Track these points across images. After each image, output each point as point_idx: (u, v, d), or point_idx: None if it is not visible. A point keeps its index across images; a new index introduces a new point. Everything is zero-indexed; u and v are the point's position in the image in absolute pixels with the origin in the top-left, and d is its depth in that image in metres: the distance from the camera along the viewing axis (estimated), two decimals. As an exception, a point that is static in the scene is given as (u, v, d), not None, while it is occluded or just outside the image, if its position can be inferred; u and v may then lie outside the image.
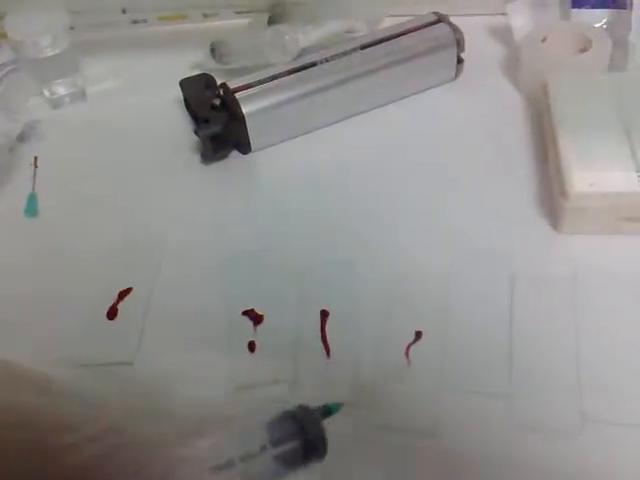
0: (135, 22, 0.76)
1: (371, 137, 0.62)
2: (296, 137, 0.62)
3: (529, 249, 0.51)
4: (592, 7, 0.65)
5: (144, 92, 0.69)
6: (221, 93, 0.60)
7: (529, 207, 0.53)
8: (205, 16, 0.76)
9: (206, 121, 0.59)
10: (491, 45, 0.69)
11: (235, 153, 0.62)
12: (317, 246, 0.53)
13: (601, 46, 0.60)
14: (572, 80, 0.58)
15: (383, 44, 0.62)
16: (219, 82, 0.62)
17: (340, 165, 0.60)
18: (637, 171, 0.51)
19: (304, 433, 0.35)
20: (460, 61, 0.64)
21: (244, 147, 0.61)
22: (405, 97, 0.65)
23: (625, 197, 0.49)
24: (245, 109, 0.58)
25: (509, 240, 0.51)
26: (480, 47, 0.67)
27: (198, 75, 0.65)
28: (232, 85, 0.60)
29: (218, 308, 0.49)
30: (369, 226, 0.54)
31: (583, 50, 0.61)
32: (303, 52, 0.65)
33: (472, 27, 0.66)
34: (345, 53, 0.62)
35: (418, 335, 0.46)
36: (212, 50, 0.69)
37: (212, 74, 0.65)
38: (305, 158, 0.61)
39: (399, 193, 0.57)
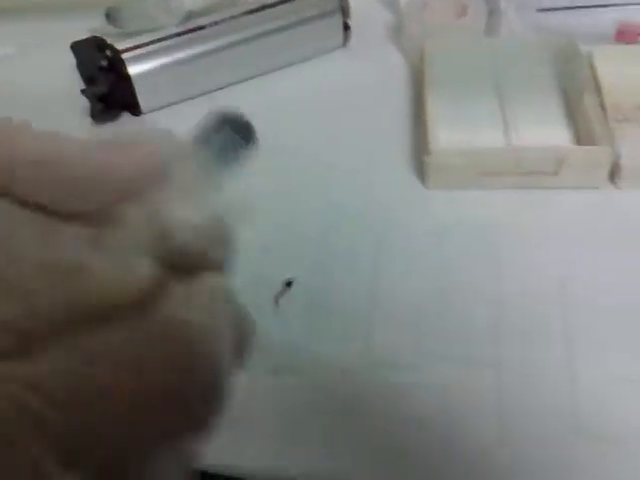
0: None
1: (258, 103, 0.64)
2: (185, 100, 0.64)
3: (400, 205, 0.53)
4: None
5: (39, 57, 0.70)
6: (108, 54, 0.61)
7: (403, 166, 0.56)
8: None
9: (93, 81, 0.60)
10: (380, 11, 0.72)
11: (127, 115, 0.63)
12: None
13: (476, 13, 0.63)
14: (446, 46, 0.61)
15: (269, 10, 0.64)
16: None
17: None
18: (504, 130, 0.55)
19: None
20: (347, 27, 0.67)
21: (134, 108, 0.62)
22: (294, 64, 0.66)
23: (484, 152, 0.52)
24: (131, 69, 0.60)
25: (383, 197, 0.54)
26: (370, 13, 0.70)
27: (89, 38, 0.66)
28: (120, 46, 0.61)
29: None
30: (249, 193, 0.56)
31: (461, 17, 0.64)
32: (192, 16, 0.66)
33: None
34: (232, 17, 0.63)
35: (289, 284, 0.48)
36: (107, 15, 0.70)
37: (107, 38, 0.66)
38: (191, 122, 0.62)
39: (282, 158, 0.58)
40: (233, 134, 0.32)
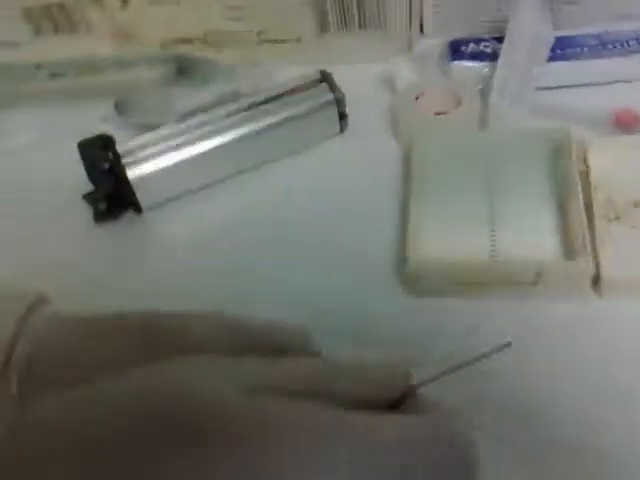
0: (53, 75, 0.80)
1: (257, 194, 0.66)
2: (187, 195, 0.66)
3: (380, 311, 0.54)
4: (470, 59, 0.68)
5: (51, 148, 0.73)
6: (110, 157, 0.64)
7: (386, 268, 0.57)
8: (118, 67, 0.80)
9: (96, 184, 0.63)
10: (381, 97, 0.72)
11: (131, 212, 0.66)
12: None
13: (470, 105, 0.63)
14: (436, 140, 0.61)
15: (265, 106, 0.65)
16: (120, 139, 0.65)
17: (228, 222, 0.64)
18: (491, 236, 0.55)
19: None
20: (343, 117, 0.67)
21: (135, 207, 0.65)
22: (294, 153, 0.68)
23: (461, 263, 0.52)
24: (131, 173, 0.62)
25: (363, 301, 0.55)
26: (370, 99, 0.71)
27: (96, 137, 0.68)
28: (121, 148, 0.63)
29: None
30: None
31: (455, 108, 0.64)
32: (193, 112, 0.68)
33: (362, 77, 0.70)
34: (228, 114, 0.65)
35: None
36: (115, 106, 0.73)
37: (115, 131, 0.69)
38: (194, 215, 0.65)
39: (281, 247, 0.60)
40: None
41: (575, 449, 0.44)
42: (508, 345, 0.32)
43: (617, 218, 0.55)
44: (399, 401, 0.27)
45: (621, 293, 0.51)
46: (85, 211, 0.65)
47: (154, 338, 0.30)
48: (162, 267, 0.61)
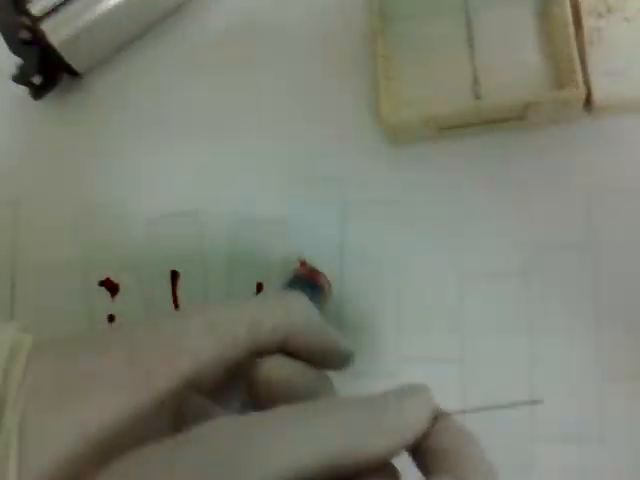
0: None
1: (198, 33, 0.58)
2: (120, 51, 0.58)
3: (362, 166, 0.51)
4: None
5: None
6: (27, 23, 0.55)
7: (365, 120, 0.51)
8: None
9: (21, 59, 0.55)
10: None
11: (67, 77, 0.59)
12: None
13: None
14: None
15: None
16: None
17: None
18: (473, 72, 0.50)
19: None
20: None
21: (70, 72, 0.58)
22: None
23: (441, 110, 0.48)
24: (54, 39, 0.54)
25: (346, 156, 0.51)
26: None
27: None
28: (36, 11, 0.54)
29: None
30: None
31: None
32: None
33: None
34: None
35: (259, 287, 0.49)
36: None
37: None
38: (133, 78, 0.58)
39: (245, 131, 0.54)
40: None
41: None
42: (540, 402, 0.31)
43: (608, 11, 0.50)
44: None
45: (615, 110, 0.47)
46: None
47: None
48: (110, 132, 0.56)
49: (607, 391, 0.43)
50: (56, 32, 0.54)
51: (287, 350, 0.30)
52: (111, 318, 0.50)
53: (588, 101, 0.47)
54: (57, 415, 0.26)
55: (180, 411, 0.27)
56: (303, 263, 0.46)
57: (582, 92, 0.45)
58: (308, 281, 0.41)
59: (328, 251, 0.49)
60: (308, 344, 0.30)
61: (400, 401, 0.25)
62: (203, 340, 0.28)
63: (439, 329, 0.46)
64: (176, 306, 0.49)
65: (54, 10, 0.54)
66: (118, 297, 0.51)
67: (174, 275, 0.50)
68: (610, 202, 0.46)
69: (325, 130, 0.51)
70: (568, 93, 0.46)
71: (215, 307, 0.30)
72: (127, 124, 0.56)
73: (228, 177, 0.52)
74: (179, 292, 0.50)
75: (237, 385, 0.29)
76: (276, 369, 0.28)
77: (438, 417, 0.26)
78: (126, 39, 0.58)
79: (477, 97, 0.49)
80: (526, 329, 0.45)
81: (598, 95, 0.46)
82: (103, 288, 0.51)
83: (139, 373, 0.27)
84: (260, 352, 0.29)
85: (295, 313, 0.30)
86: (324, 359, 0.31)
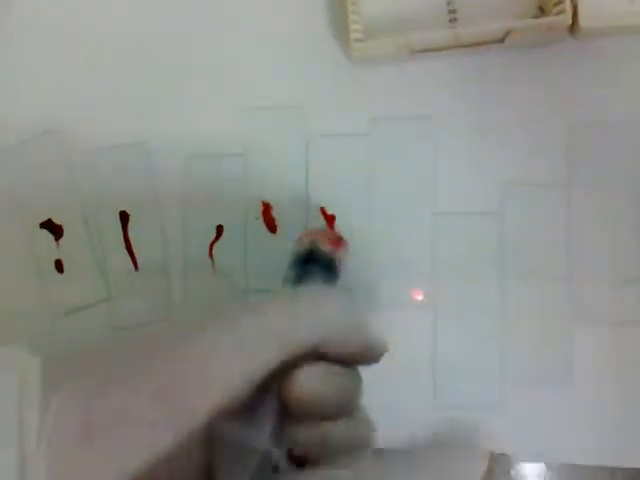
0: None
1: None
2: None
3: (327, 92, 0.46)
4: None
5: None
6: None
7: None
8: None
9: None
10: None
11: None
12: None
13: None
14: None
15: None
16: None
17: None
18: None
19: None
20: None
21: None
22: None
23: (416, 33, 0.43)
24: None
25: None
26: None
27: None
28: None
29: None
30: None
31: None
32: None
33: None
34: None
35: (219, 230, 0.45)
36: None
37: None
38: None
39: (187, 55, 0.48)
40: (320, 273, 0.35)
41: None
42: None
43: None
44: None
45: (599, 32, 0.44)
46: None
47: None
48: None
49: (576, 332, 0.43)
50: None
51: (318, 352, 0.28)
52: (59, 265, 0.46)
53: (572, 25, 0.43)
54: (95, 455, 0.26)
55: (210, 436, 0.26)
56: (328, 233, 0.40)
57: (568, 17, 0.42)
58: (325, 257, 0.36)
59: (291, 188, 0.45)
60: (340, 349, 0.29)
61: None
62: (234, 364, 0.27)
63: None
64: (130, 252, 0.46)
65: None
66: (62, 241, 0.46)
67: (123, 217, 0.46)
68: (592, 136, 0.44)
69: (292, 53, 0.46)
70: (554, 19, 0.42)
71: (244, 323, 0.28)
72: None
73: (179, 107, 0.47)
74: (130, 234, 0.46)
75: (267, 397, 0.28)
76: (307, 385, 0.27)
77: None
78: None
79: (452, 17, 0.44)
80: (499, 268, 0.44)
81: (584, 19, 0.42)
82: (45, 230, 0.46)
83: (169, 410, 0.26)
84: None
85: (328, 322, 0.29)
86: (356, 358, 0.30)
